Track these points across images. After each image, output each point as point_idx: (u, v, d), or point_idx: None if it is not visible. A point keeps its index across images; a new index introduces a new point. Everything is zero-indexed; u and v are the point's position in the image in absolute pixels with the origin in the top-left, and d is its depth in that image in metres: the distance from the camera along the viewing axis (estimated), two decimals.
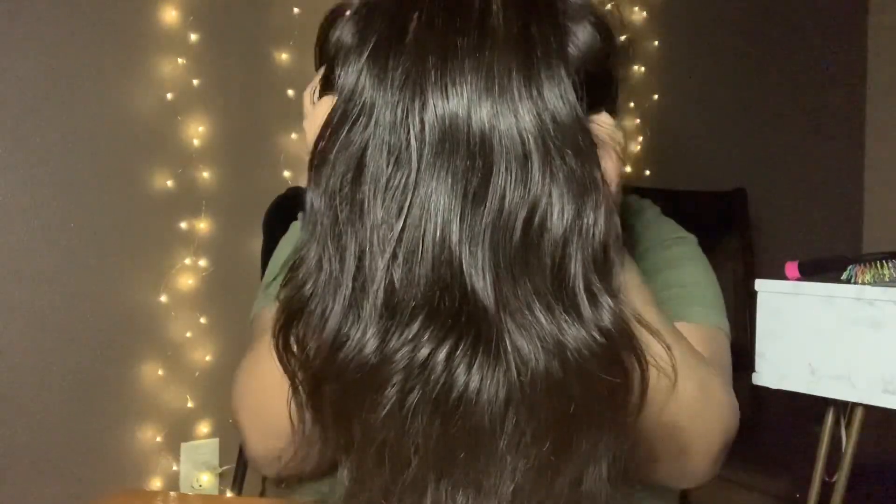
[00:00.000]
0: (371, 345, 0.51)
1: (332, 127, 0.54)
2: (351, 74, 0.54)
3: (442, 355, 0.50)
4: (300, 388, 0.55)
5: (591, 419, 0.52)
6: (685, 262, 0.83)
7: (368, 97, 0.52)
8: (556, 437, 0.51)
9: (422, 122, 0.51)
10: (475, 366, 0.50)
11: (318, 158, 0.54)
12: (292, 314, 0.54)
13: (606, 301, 0.52)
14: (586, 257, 0.51)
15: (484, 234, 0.50)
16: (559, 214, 0.51)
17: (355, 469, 0.54)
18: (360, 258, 0.51)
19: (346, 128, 0.53)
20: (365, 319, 0.51)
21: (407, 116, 0.51)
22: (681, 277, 0.81)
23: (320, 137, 0.55)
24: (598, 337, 0.51)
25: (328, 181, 0.53)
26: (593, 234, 0.51)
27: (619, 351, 0.52)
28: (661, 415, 0.62)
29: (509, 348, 0.50)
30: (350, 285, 0.52)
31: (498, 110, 0.51)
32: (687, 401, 0.64)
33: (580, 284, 0.51)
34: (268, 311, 0.80)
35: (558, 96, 0.52)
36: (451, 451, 0.51)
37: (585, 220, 0.51)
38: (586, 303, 0.51)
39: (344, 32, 0.56)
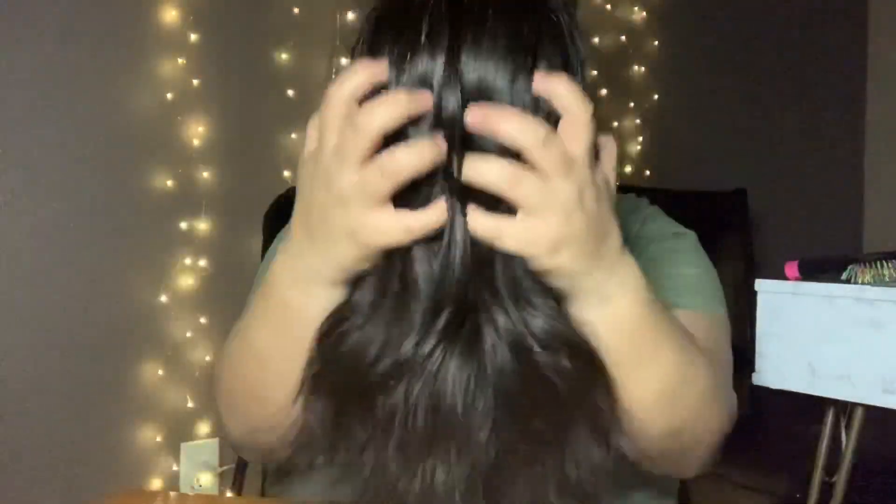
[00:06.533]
0: (409, 345, 0.54)
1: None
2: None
3: (441, 347, 0.54)
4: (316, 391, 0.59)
5: (552, 410, 0.56)
6: (685, 253, 0.84)
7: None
8: (523, 424, 0.55)
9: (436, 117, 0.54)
10: (455, 355, 0.55)
11: None
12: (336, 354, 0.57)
13: (542, 305, 0.55)
14: (517, 260, 0.54)
15: None
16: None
17: (374, 458, 0.57)
18: (403, 270, 0.55)
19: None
20: (412, 325, 0.55)
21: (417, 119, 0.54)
22: (680, 268, 0.81)
23: None
24: (536, 339, 0.55)
25: None
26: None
27: (559, 353, 0.55)
28: (664, 423, 0.64)
29: (486, 341, 0.55)
30: (393, 297, 0.56)
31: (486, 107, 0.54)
32: (691, 406, 0.65)
33: (519, 286, 0.55)
34: None
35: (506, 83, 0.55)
36: (432, 435, 0.55)
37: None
38: (523, 305, 0.55)
39: (360, 44, 0.59)
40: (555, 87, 0.53)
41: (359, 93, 0.53)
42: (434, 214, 0.53)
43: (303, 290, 0.60)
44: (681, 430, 0.65)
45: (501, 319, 0.55)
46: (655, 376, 0.61)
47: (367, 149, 0.52)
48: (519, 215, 0.52)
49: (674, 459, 0.69)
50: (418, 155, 0.51)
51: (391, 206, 0.53)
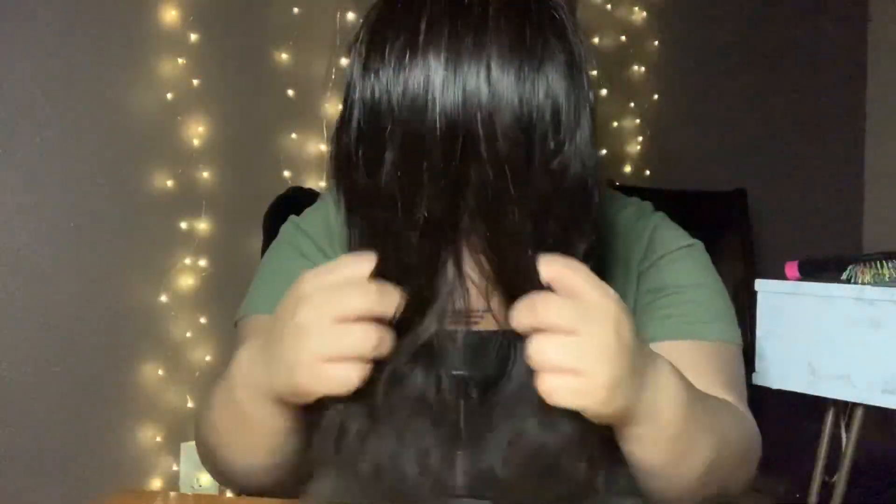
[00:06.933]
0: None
1: (352, 138, 0.58)
2: (367, 87, 0.56)
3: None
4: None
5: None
6: (697, 274, 0.83)
7: (387, 107, 0.55)
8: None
9: (431, 125, 0.53)
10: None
11: (340, 169, 0.59)
12: None
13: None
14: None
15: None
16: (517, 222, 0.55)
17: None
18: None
19: (366, 138, 0.57)
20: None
21: (419, 123, 0.54)
22: (695, 294, 0.80)
23: (341, 149, 0.59)
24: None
25: (353, 193, 0.59)
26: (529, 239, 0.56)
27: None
28: (705, 492, 0.65)
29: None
30: None
31: (490, 111, 0.53)
32: (729, 468, 0.67)
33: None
34: (259, 320, 0.80)
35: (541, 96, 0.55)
36: None
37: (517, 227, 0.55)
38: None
39: (360, 43, 0.58)
40: (544, 271, 0.54)
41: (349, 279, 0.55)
42: (364, 371, 0.55)
43: (251, 396, 0.61)
44: (721, 488, 0.67)
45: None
46: (696, 463, 0.62)
47: (344, 318, 0.54)
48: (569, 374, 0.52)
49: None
50: (386, 346, 0.54)
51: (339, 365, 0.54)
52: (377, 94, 0.55)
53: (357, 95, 0.57)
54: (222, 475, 0.72)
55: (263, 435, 0.63)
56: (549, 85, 0.55)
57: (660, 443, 0.59)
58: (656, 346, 0.68)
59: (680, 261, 0.82)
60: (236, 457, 0.67)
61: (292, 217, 0.88)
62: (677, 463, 0.61)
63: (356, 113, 0.57)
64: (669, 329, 0.77)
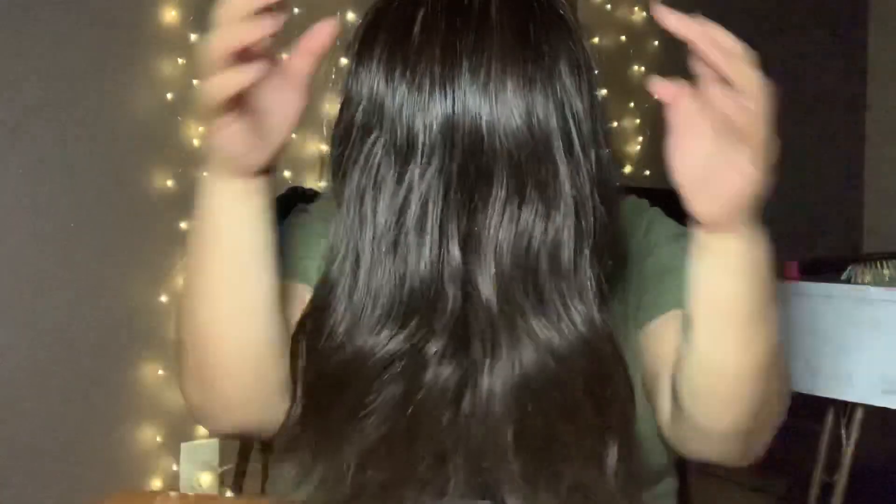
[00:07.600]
0: (371, 343, 0.55)
1: (347, 135, 0.58)
2: (362, 83, 0.58)
3: (434, 352, 0.54)
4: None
5: (578, 417, 0.56)
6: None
7: (379, 104, 0.55)
8: (547, 434, 0.55)
9: (424, 125, 0.52)
10: (467, 363, 0.54)
11: (336, 167, 0.59)
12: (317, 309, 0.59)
13: (578, 307, 0.55)
14: (554, 265, 0.54)
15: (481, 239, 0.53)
16: (537, 223, 0.54)
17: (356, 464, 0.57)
18: (357, 260, 0.55)
19: (359, 137, 0.57)
20: (365, 320, 0.55)
21: (412, 120, 0.53)
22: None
23: (336, 146, 0.59)
24: (573, 341, 0.55)
25: (347, 190, 0.57)
26: (557, 242, 0.54)
27: (596, 354, 0.56)
28: (760, 394, 0.62)
29: (504, 348, 0.54)
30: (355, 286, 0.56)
31: (493, 111, 0.52)
32: (776, 379, 0.65)
33: (553, 291, 0.55)
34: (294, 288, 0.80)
35: (547, 100, 0.54)
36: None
37: (550, 228, 0.54)
38: (559, 308, 0.55)
39: (354, 40, 0.58)
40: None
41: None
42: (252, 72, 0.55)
43: (207, 196, 0.64)
44: (765, 405, 0.65)
45: (533, 324, 0.55)
46: (768, 335, 0.60)
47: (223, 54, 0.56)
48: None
49: (745, 440, 0.68)
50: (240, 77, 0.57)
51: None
52: (370, 95, 0.56)
53: (352, 95, 0.57)
54: (198, 372, 0.65)
55: (231, 251, 0.60)
56: (562, 89, 0.54)
57: (759, 270, 0.56)
58: (662, 318, 0.68)
59: (677, 243, 0.83)
60: (205, 315, 0.62)
61: (300, 205, 0.89)
62: (761, 317, 0.58)
63: (351, 114, 0.58)
64: (673, 299, 0.76)
